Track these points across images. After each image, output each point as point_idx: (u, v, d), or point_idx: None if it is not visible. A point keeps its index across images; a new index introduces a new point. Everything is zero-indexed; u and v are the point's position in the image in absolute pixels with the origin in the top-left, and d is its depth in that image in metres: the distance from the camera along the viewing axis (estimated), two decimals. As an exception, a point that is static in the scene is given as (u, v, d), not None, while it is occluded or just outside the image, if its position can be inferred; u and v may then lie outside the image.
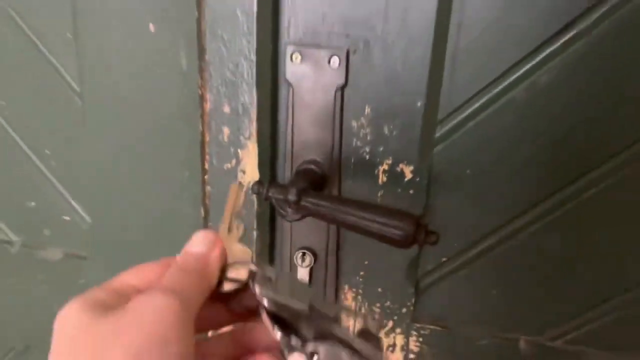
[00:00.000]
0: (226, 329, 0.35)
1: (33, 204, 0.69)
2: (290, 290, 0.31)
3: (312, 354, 0.30)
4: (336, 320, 0.30)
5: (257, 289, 0.31)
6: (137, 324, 0.26)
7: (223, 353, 0.33)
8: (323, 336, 0.30)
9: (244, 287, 0.32)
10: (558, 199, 0.52)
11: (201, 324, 0.30)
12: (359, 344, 0.30)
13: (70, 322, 0.28)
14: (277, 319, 0.31)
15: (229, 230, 0.35)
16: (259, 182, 0.51)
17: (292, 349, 0.30)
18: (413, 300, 0.59)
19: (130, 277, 0.32)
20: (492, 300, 0.57)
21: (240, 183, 0.48)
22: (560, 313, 0.56)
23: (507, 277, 0.56)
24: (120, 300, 0.28)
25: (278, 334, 0.30)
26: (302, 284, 0.47)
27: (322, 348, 0.30)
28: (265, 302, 0.31)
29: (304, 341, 0.30)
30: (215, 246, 0.33)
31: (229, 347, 0.33)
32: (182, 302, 0.28)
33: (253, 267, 0.32)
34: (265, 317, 0.31)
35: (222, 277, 0.32)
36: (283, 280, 0.31)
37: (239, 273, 0.32)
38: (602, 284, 0.54)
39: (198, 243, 0.34)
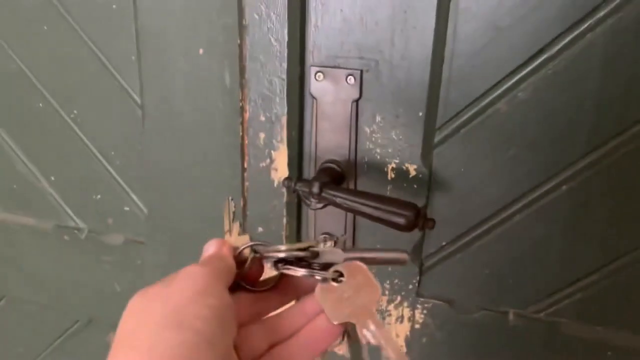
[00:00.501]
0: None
1: (99, 196, 0.82)
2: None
3: (336, 273, 0.38)
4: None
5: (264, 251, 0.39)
6: (173, 285, 0.33)
7: (273, 304, 0.40)
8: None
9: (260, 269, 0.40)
10: (537, 193, 0.62)
11: (251, 317, 0.37)
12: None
13: (133, 302, 0.34)
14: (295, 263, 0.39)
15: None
16: (289, 178, 0.62)
17: (318, 274, 0.37)
18: (418, 278, 0.69)
19: None
20: (485, 278, 0.67)
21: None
22: (542, 289, 0.66)
23: (497, 259, 0.66)
24: None
25: (300, 271, 0.38)
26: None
27: (341, 266, 0.38)
28: (278, 255, 0.38)
29: (325, 267, 0.38)
30: (223, 243, 0.41)
31: (275, 298, 0.40)
32: (211, 269, 0.35)
33: (251, 243, 0.40)
34: (283, 268, 0.38)
35: (237, 259, 0.40)
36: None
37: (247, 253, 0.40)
38: (579, 263, 0.64)
39: (209, 247, 0.41)
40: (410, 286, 0.70)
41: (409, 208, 0.57)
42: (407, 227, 0.57)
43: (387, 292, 0.71)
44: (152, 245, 0.81)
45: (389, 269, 0.70)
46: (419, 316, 0.71)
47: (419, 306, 0.71)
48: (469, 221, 0.66)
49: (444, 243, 0.68)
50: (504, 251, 0.65)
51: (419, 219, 0.57)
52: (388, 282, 0.71)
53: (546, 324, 0.66)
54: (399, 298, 0.71)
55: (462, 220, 0.66)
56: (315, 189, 0.60)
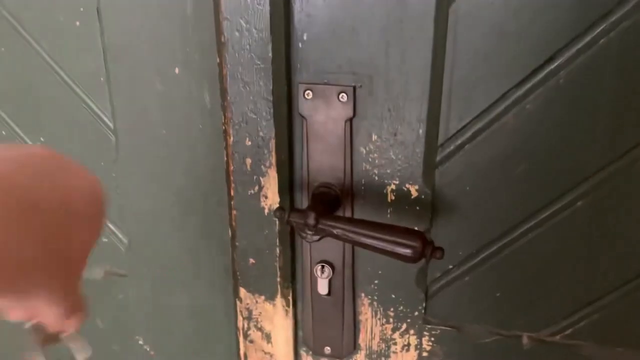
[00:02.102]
0: None
1: (74, 228, 0.76)
2: None
3: None
4: None
5: None
6: None
7: None
8: None
9: None
10: (550, 210, 0.57)
11: None
12: None
13: None
14: None
15: None
16: (281, 209, 0.57)
17: None
18: (424, 304, 0.65)
19: None
20: (495, 301, 0.63)
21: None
22: (558, 310, 0.61)
23: (508, 280, 0.62)
24: None
25: None
26: None
27: None
28: None
29: None
30: None
31: None
32: None
33: None
34: None
35: None
36: None
37: None
38: (595, 282, 0.59)
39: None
40: (416, 313, 0.65)
41: (415, 238, 0.52)
42: (414, 259, 0.52)
43: (391, 320, 0.67)
44: (133, 278, 0.75)
45: (392, 295, 0.65)
46: (426, 344, 0.66)
47: (426, 333, 0.66)
48: (477, 242, 0.61)
49: (450, 266, 0.63)
50: (515, 272, 0.61)
51: (426, 249, 0.52)
52: (392, 309, 0.66)
53: (563, 347, 0.62)
54: (404, 325, 0.66)
55: (469, 241, 0.61)
56: (311, 221, 0.55)
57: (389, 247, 0.53)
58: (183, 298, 0.74)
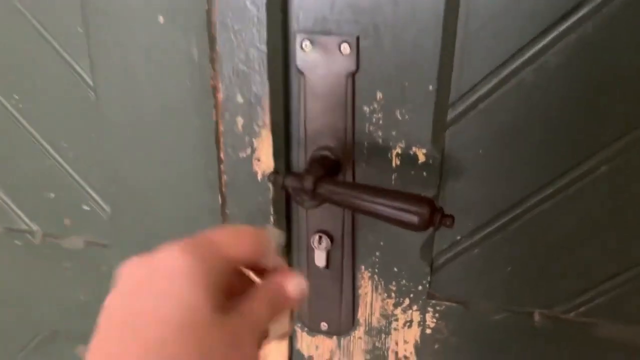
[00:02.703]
0: None
1: (52, 195, 0.71)
2: None
3: None
4: None
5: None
6: (152, 300, 0.28)
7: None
8: None
9: None
10: (570, 177, 0.53)
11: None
12: None
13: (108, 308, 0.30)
14: None
15: None
16: (275, 172, 0.52)
17: None
18: (428, 278, 0.60)
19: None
20: (506, 275, 0.58)
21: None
22: (572, 286, 0.57)
23: (520, 253, 0.57)
24: None
25: None
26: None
27: None
28: None
29: None
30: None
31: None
32: (205, 269, 0.29)
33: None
34: None
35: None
36: None
37: None
38: (614, 257, 0.55)
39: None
40: (420, 287, 0.61)
41: (423, 204, 0.47)
42: (421, 227, 0.48)
43: (393, 295, 0.62)
44: (117, 249, 0.70)
45: (395, 268, 0.60)
46: (430, 320, 0.62)
47: (430, 309, 0.62)
48: (489, 211, 0.56)
49: (458, 237, 0.58)
50: (529, 244, 0.56)
51: (435, 216, 0.47)
52: (394, 283, 0.61)
53: (577, 325, 0.58)
54: (407, 301, 0.62)
55: (480, 210, 0.56)
56: (309, 185, 0.50)
57: (394, 213, 0.48)
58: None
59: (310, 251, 0.61)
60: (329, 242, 0.60)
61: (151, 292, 0.28)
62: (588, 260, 0.55)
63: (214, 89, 0.55)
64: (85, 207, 0.70)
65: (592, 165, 0.52)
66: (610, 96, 0.49)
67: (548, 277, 0.57)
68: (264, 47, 0.52)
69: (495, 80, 0.51)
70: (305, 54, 0.53)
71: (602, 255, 0.55)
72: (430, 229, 0.51)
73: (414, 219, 0.47)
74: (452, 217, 0.48)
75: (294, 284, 0.33)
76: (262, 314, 0.31)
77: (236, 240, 0.32)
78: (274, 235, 0.35)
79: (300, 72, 0.54)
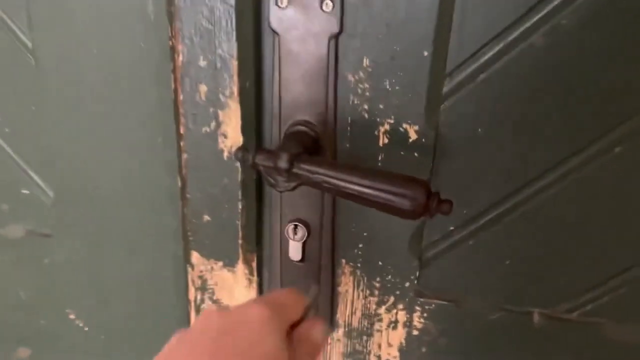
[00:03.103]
0: None
1: (-13, 177, 0.61)
2: None
3: None
4: None
5: None
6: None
7: None
8: None
9: None
10: (578, 161, 0.46)
11: None
12: None
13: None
14: None
15: None
16: (244, 148, 0.44)
17: None
18: (417, 274, 0.53)
19: None
20: (503, 271, 0.52)
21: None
22: (576, 284, 0.51)
23: (519, 247, 0.51)
24: None
25: None
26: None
27: None
28: None
29: None
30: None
31: None
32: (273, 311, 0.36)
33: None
34: None
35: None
36: None
37: None
38: (621, 253, 0.49)
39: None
40: (407, 283, 0.54)
41: (417, 187, 0.40)
42: (415, 213, 0.41)
43: (377, 292, 0.55)
44: (61, 238, 0.61)
45: (379, 262, 0.53)
46: (417, 320, 0.55)
47: (417, 308, 0.55)
48: (487, 198, 0.50)
49: (451, 228, 0.51)
50: (530, 236, 0.50)
51: (431, 202, 0.40)
52: (378, 278, 0.54)
53: (580, 326, 0.52)
54: (392, 298, 0.55)
55: (477, 197, 0.50)
56: (284, 163, 0.42)
57: (384, 197, 0.41)
58: (122, 263, 0.61)
59: (284, 242, 0.54)
60: (306, 232, 0.52)
61: (240, 337, 0.33)
62: (596, 253, 0.49)
63: (172, 51, 0.46)
64: (25, 191, 0.61)
65: (604, 145, 0.46)
66: (632, 66, 0.43)
67: (550, 273, 0.51)
68: (232, 1, 0.44)
69: (500, 46, 0.44)
70: (281, 11, 0.45)
71: (612, 247, 0.49)
72: (418, 220, 0.45)
73: (407, 204, 0.40)
74: (450, 202, 0.41)
75: (320, 332, 0.39)
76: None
77: (292, 302, 0.38)
78: (313, 294, 0.42)
79: (275, 32, 0.46)
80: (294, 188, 0.44)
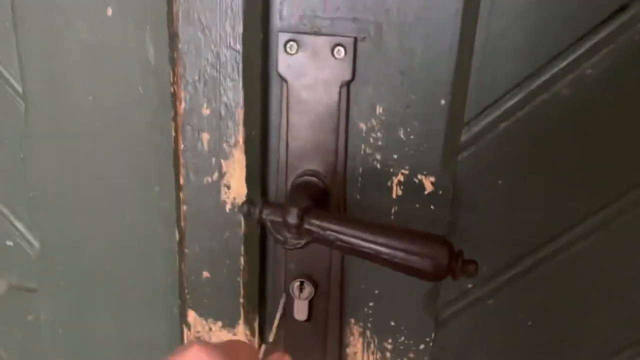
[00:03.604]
0: None
1: (-31, 227, 0.57)
2: None
3: None
4: None
5: None
6: None
7: None
8: None
9: None
10: (608, 213, 0.44)
11: None
12: None
13: None
14: None
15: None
16: (249, 201, 0.41)
17: None
18: (432, 335, 0.49)
19: None
20: (526, 333, 0.48)
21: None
22: (603, 348, 0.47)
23: (542, 307, 0.47)
24: None
25: None
26: None
27: None
28: None
29: None
30: None
31: None
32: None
33: None
34: None
35: None
36: None
37: None
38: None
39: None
40: (422, 346, 0.50)
41: (440, 246, 0.37)
42: (438, 275, 0.37)
43: (389, 355, 0.51)
44: (46, 294, 0.57)
45: (392, 322, 0.50)
46: (433, 386, 0.51)
47: (433, 372, 0.51)
48: (508, 254, 0.46)
49: (470, 285, 0.48)
50: (555, 295, 0.47)
51: (454, 262, 0.37)
52: (390, 340, 0.50)
53: (611, 393, 0.48)
54: (405, 362, 0.51)
55: (498, 253, 0.46)
56: (293, 219, 0.39)
57: (403, 257, 0.37)
58: (112, 322, 0.56)
59: (289, 301, 0.50)
60: (313, 289, 0.49)
61: None
62: (628, 312, 0.46)
63: (174, 98, 0.44)
64: (9, 243, 0.57)
65: (635, 198, 0.43)
66: (661, 116, 0.40)
67: (577, 335, 0.48)
68: (239, 47, 0.41)
69: (522, 95, 0.42)
70: (290, 58, 0.43)
71: (643, 308, 0.46)
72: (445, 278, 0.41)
73: (429, 265, 0.37)
74: (475, 263, 0.38)
75: None
76: None
77: (247, 352, 0.34)
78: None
79: (283, 80, 0.44)
80: (303, 246, 0.40)
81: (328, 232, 0.39)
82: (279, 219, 0.39)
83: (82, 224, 0.54)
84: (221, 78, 0.42)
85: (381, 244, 0.38)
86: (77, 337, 0.58)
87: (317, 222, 0.39)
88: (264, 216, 0.40)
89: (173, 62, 0.43)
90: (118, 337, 0.57)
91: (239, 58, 0.41)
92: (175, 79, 0.43)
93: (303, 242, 0.40)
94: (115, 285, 0.55)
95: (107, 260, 0.55)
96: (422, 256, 0.37)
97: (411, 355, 0.50)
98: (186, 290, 0.50)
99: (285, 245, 0.40)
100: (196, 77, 0.42)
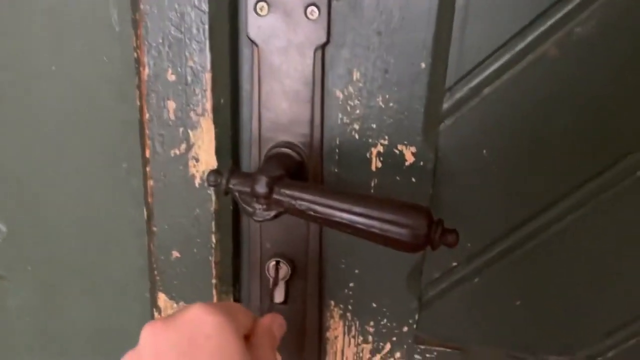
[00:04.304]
0: None
1: None
2: None
3: None
4: None
5: None
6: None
7: None
8: None
9: None
10: (598, 183, 0.41)
11: None
12: None
13: None
14: None
15: None
16: (216, 171, 0.38)
17: None
18: (416, 317, 0.47)
19: None
20: (514, 313, 0.46)
21: None
22: (597, 327, 0.45)
23: (531, 285, 0.45)
24: None
25: None
26: None
27: None
28: None
29: None
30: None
31: None
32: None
33: None
34: None
35: None
36: None
37: None
38: (649, 288, 0.43)
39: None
40: (406, 328, 0.47)
41: (418, 214, 0.35)
42: (416, 244, 0.35)
43: (371, 338, 0.48)
44: (15, 280, 0.54)
45: (373, 304, 0.47)
46: (417, 371, 0.49)
47: (417, 357, 0.48)
48: (493, 229, 0.44)
49: (454, 264, 0.45)
50: (545, 272, 0.44)
51: (434, 231, 0.35)
52: (372, 323, 0.48)
53: (603, 375, 0.46)
54: (388, 345, 0.48)
55: (483, 228, 0.44)
56: (262, 188, 0.36)
57: (379, 226, 0.35)
58: (81, 308, 0.54)
59: (264, 282, 0.47)
60: (289, 269, 0.46)
61: (203, 353, 0.30)
62: (619, 290, 0.44)
63: (138, 63, 0.41)
64: (-26, 226, 0.54)
65: (627, 167, 0.40)
66: (654, 77, 0.38)
67: (567, 315, 0.45)
68: (204, 7, 0.39)
69: (506, 57, 0.39)
70: (260, 19, 0.40)
71: (637, 289, 0.43)
72: (419, 255, 0.39)
73: (406, 234, 0.34)
74: (455, 232, 0.35)
75: (281, 325, 0.37)
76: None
77: (242, 312, 0.34)
78: None
79: (253, 44, 0.41)
80: (274, 217, 0.38)
81: (299, 202, 0.36)
82: (247, 189, 0.37)
83: (50, 205, 0.51)
84: (186, 40, 0.39)
85: (356, 213, 0.35)
86: (47, 324, 0.55)
87: (288, 192, 0.36)
88: (231, 186, 0.37)
89: (135, 24, 0.40)
90: (89, 323, 0.54)
91: (205, 19, 0.39)
92: (138, 42, 0.40)
93: (273, 213, 0.37)
94: (86, 269, 0.53)
95: (76, 243, 0.52)
96: (399, 225, 0.34)
97: (394, 338, 0.48)
98: (156, 272, 0.47)
99: (254, 217, 0.37)
100: (160, 40, 0.40)
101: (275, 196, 0.36)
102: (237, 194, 0.37)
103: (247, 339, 0.33)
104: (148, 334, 0.31)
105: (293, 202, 0.36)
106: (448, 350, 0.48)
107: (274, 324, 0.36)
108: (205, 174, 0.42)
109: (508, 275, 0.45)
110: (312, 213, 0.36)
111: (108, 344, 0.55)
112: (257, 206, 0.37)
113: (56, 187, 0.50)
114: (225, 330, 0.31)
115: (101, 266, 0.52)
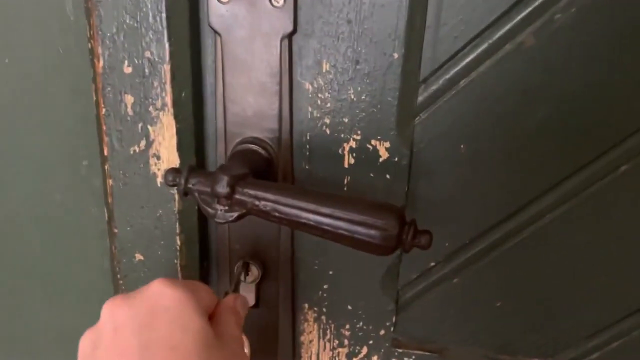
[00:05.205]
0: None
1: None
2: None
3: None
4: None
5: None
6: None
7: None
8: None
9: None
10: (580, 178, 0.39)
11: None
12: None
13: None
14: None
15: None
16: (174, 170, 0.36)
17: None
18: (393, 319, 0.45)
19: None
20: (494, 314, 0.44)
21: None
22: (580, 328, 0.43)
23: (512, 285, 0.43)
24: None
25: None
26: None
27: None
28: None
29: None
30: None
31: None
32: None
33: None
34: None
35: None
36: None
37: None
38: (633, 291, 0.42)
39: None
40: (382, 331, 0.45)
41: (388, 215, 0.33)
42: (386, 247, 0.33)
43: (346, 342, 0.46)
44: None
45: (349, 306, 0.45)
46: (395, 375, 0.47)
47: (395, 360, 0.46)
48: (472, 228, 0.42)
49: (432, 264, 0.43)
50: (526, 271, 0.42)
51: (405, 233, 0.33)
52: (348, 326, 0.46)
53: (587, 378, 0.44)
54: (365, 349, 0.46)
55: (461, 227, 0.42)
56: (222, 188, 0.34)
57: (347, 228, 0.33)
58: (45, 312, 0.51)
59: (234, 285, 0.45)
60: (260, 271, 0.44)
61: (165, 326, 0.30)
62: (603, 291, 0.42)
63: (92, 55, 0.38)
64: None
65: (610, 161, 0.38)
66: (636, 68, 0.36)
67: (549, 316, 0.43)
68: (162, -7, 0.36)
69: (482, 46, 0.37)
70: (223, 6, 0.38)
71: (622, 284, 0.41)
72: (398, 251, 0.37)
73: (376, 236, 0.32)
74: (428, 233, 0.33)
75: (245, 304, 0.37)
76: (237, 336, 0.34)
77: (205, 290, 0.34)
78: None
79: (216, 33, 0.39)
80: (237, 219, 0.35)
81: (263, 203, 0.34)
82: (207, 189, 0.34)
83: (10, 207, 0.48)
84: (142, 30, 0.37)
85: (323, 214, 0.33)
86: (8, 328, 0.53)
87: (251, 192, 0.34)
88: (190, 185, 0.35)
89: (88, 12, 0.37)
90: (52, 328, 0.52)
91: (162, 6, 0.36)
92: (92, 32, 0.38)
93: (235, 215, 0.35)
94: (48, 272, 0.50)
95: (38, 245, 0.49)
96: (368, 226, 0.32)
97: (371, 342, 0.46)
98: (118, 275, 0.45)
99: (215, 219, 0.35)
100: (114, 30, 0.37)
101: (237, 196, 0.34)
102: (196, 194, 0.35)
103: (211, 318, 0.33)
104: (108, 309, 0.31)
105: (257, 202, 0.34)
106: (426, 353, 0.46)
107: (237, 302, 0.36)
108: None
109: (488, 275, 0.43)
110: (277, 214, 0.34)
111: (74, 347, 0.53)
112: (219, 207, 0.35)
113: (15, 187, 0.47)
114: (185, 303, 0.31)
115: (63, 268, 0.49)
